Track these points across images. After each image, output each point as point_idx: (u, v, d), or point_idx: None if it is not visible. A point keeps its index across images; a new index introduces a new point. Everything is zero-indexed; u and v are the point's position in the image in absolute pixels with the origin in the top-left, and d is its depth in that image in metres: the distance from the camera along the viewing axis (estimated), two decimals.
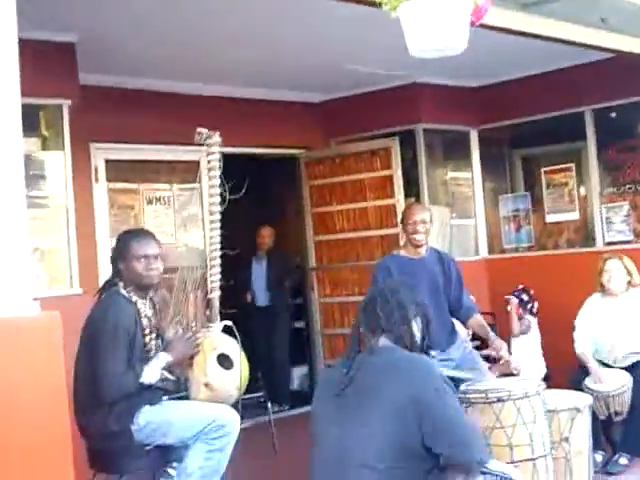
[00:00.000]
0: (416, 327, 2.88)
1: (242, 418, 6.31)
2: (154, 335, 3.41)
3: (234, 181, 3.67)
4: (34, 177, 5.14)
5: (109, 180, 6.35)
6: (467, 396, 3.92)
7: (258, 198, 9.05)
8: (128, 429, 3.20)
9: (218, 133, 3.67)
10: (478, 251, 7.56)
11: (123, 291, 3.37)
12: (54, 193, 5.26)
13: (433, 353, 4.32)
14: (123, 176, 6.53)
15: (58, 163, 5.30)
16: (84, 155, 5.98)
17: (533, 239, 7.37)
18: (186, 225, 6.71)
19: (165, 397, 3.36)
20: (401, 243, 5.26)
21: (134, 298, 3.37)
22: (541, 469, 3.87)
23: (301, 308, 8.01)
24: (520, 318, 6.21)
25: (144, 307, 3.39)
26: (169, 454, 3.34)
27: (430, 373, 2.69)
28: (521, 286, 6.35)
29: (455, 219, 7.41)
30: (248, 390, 6.16)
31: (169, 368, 3.36)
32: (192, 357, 3.35)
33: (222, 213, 3.58)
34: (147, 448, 3.26)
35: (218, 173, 3.64)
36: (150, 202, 6.68)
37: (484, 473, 2.83)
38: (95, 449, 3.33)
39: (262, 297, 7.64)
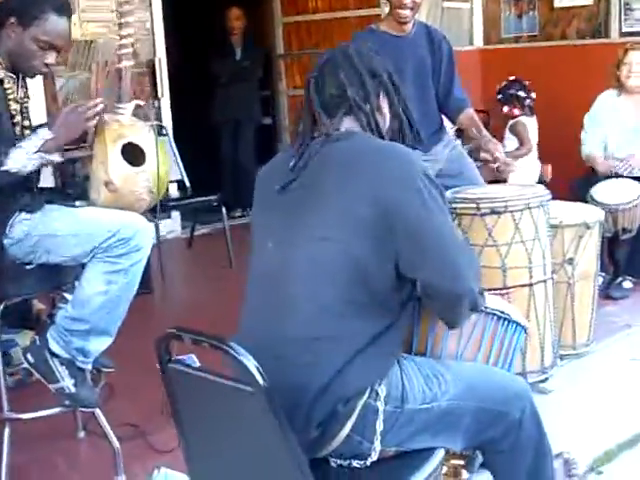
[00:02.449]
0: (395, 110, 2.01)
1: (196, 226, 5.87)
2: (27, 123, 2.52)
3: None
4: None
5: None
6: (453, 206, 3.13)
7: None
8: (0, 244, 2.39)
9: None
10: (472, 40, 6.64)
11: None
12: None
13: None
14: None
15: None
16: None
17: (537, 27, 6.40)
18: None
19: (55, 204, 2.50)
20: (382, 16, 4.25)
21: (0, 74, 2.47)
22: (539, 296, 3.17)
23: (268, 102, 7.10)
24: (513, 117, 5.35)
25: (13, 86, 2.48)
26: (64, 274, 2.56)
27: (410, 167, 1.82)
28: (512, 77, 5.39)
29: (447, 1, 6.41)
30: (205, 193, 5.61)
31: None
32: (86, 137, 2.44)
33: None
34: (28, 267, 2.47)
35: None
36: None
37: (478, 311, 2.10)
38: None
39: None
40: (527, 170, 5.31)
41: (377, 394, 1.82)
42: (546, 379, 3.21)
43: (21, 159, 2.36)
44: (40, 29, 2.44)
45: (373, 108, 1.95)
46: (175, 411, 1.68)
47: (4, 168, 2.36)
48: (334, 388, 1.77)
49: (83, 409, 2.61)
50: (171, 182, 5.74)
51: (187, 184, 5.35)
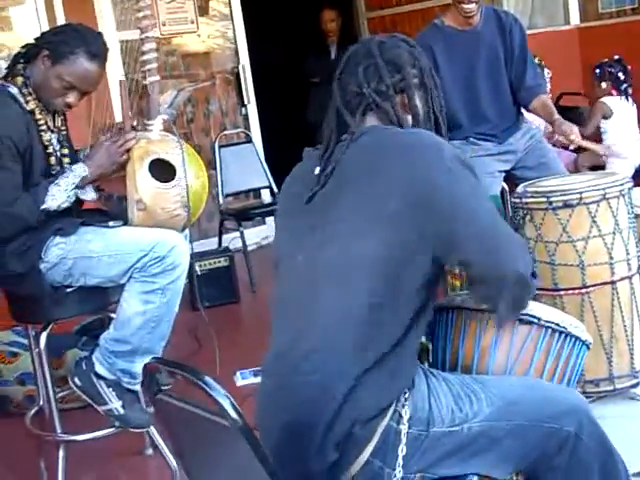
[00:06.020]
0: (420, 104, 1.86)
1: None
2: (66, 151, 2.52)
3: None
4: None
5: None
6: (523, 201, 2.93)
7: None
8: (35, 269, 2.39)
9: None
10: (568, 18, 6.25)
11: (15, 91, 2.44)
12: None
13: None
14: None
15: None
16: None
17: None
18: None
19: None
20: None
21: (31, 105, 2.45)
22: (624, 294, 2.90)
23: None
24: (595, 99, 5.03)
25: (46, 117, 2.47)
26: (109, 294, 2.53)
27: (437, 151, 1.70)
28: (617, 57, 5.04)
29: None
30: None
31: (97, 186, 2.49)
32: (123, 168, 2.44)
33: None
34: (68, 291, 2.46)
35: None
36: None
37: (530, 323, 1.90)
38: (8, 296, 2.56)
39: None
40: (628, 152, 4.97)
41: (400, 416, 1.68)
42: (637, 384, 2.94)
43: (59, 197, 2.39)
44: (66, 68, 2.42)
45: (394, 105, 1.81)
46: (172, 441, 1.60)
47: (44, 207, 2.39)
48: (351, 406, 1.64)
49: (134, 430, 2.58)
50: (263, 189, 5.75)
51: (275, 190, 5.30)
